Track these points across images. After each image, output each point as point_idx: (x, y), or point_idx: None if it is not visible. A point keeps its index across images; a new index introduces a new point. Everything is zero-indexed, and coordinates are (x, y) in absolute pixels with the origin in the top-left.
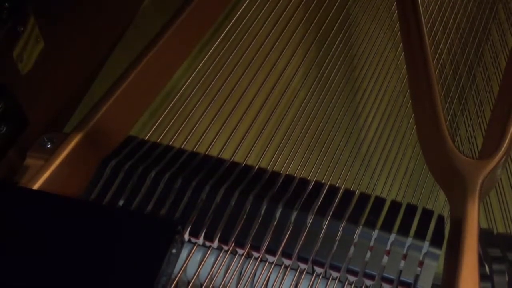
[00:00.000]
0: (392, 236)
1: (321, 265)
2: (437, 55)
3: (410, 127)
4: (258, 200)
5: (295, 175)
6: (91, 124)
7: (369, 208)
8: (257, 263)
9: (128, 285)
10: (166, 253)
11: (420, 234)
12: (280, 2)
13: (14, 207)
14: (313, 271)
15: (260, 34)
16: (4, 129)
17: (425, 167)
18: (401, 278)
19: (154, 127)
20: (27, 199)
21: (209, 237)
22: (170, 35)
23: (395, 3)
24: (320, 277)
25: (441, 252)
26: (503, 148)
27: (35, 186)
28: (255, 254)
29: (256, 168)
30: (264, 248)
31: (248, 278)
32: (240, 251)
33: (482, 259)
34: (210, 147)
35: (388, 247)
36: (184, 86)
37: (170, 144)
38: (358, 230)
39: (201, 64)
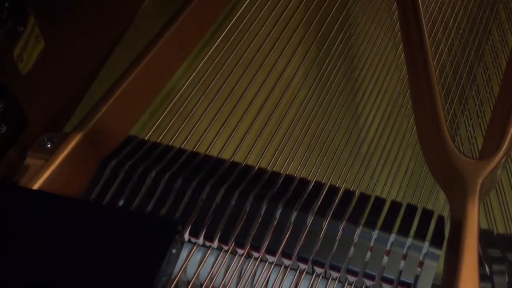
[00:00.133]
0: (392, 236)
1: (321, 265)
2: (437, 55)
3: (410, 127)
4: (258, 200)
5: (295, 175)
6: (91, 124)
7: (369, 208)
8: (257, 263)
9: (128, 285)
10: (166, 253)
11: (420, 235)
12: (280, 2)
13: (14, 207)
14: (313, 271)
15: (260, 34)
16: (4, 129)
17: (425, 167)
18: (401, 279)
19: (154, 127)
20: (27, 199)
21: (209, 237)
22: (170, 35)
23: (395, 3)
24: (320, 277)
25: (441, 252)
26: (503, 149)
27: (35, 186)
28: (255, 254)
29: (256, 168)
30: (264, 248)
31: (248, 278)
32: (240, 251)
33: (482, 260)
34: (210, 147)
35: (388, 247)
36: (184, 86)
37: (170, 144)
38: (358, 230)
39: (201, 64)
